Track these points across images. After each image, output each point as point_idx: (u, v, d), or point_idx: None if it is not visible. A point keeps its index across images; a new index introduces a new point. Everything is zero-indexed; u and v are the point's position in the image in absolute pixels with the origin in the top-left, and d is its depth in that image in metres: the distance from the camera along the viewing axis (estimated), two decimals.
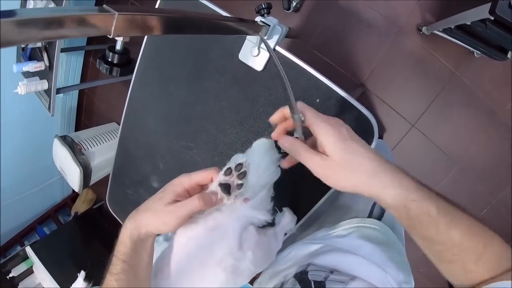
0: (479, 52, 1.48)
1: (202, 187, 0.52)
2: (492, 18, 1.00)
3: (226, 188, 0.49)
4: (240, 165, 0.49)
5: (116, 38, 0.36)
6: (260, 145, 0.59)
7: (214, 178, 0.51)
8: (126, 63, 0.39)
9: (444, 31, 1.43)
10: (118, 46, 0.38)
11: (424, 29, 1.55)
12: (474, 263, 0.41)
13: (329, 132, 0.44)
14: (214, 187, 0.50)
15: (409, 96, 1.72)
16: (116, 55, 0.38)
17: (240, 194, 0.50)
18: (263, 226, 0.61)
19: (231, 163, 0.49)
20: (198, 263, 0.52)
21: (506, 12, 0.97)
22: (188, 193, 0.51)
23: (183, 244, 0.53)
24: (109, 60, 0.38)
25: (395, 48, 1.66)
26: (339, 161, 0.43)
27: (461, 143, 1.69)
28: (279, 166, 0.58)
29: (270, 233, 0.59)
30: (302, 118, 0.47)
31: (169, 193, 0.50)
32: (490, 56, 1.38)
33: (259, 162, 0.55)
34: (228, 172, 0.49)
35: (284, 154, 0.59)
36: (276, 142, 0.59)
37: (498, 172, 1.67)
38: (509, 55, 1.31)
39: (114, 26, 0.33)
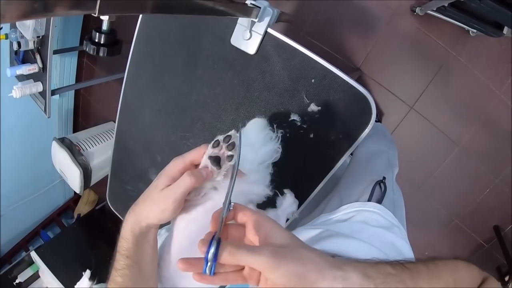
0: (474, 31, 1.46)
1: (197, 167, 0.51)
2: None
3: (216, 160, 0.48)
4: (228, 137, 0.49)
5: (102, 17, 0.35)
6: (254, 123, 0.58)
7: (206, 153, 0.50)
8: (113, 43, 0.38)
9: (438, 10, 1.41)
10: (104, 26, 0.36)
11: (418, 9, 1.53)
12: None
13: (269, 220, 0.40)
14: (204, 161, 0.49)
15: (406, 78, 1.71)
16: (103, 35, 0.37)
17: (231, 167, 0.49)
18: (265, 209, 0.60)
19: (219, 136, 0.49)
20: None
21: None
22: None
23: (182, 229, 0.52)
24: (96, 40, 0.37)
25: (389, 30, 1.64)
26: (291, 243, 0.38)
27: (461, 123, 1.68)
28: (279, 146, 0.57)
29: (272, 215, 0.58)
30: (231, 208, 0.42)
31: (163, 179, 0.49)
32: (486, 33, 1.36)
33: (255, 138, 0.54)
34: (216, 144, 0.48)
35: (282, 133, 0.58)
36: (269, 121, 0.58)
37: (499, 151, 1.66)
38: (504, 31, 1.29)
39: (99, 4, 0.32)
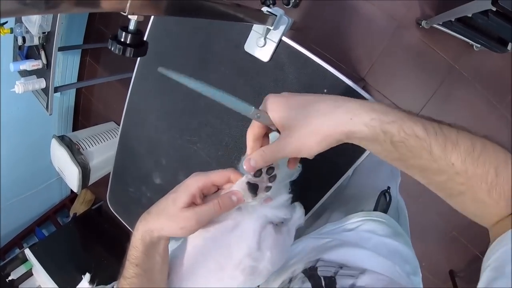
0: (479, 45, 1.48)
1: (218, 188, 0.50)
2: (495, 9, 1.00)
3: (254, 188, 0.47)
4: (271, 169, 0.47)
5: (130, 16, 0.35)
6: (272, 137, 0.57)
7: (232, 178, 0.49)
8: (139, 44, 0.38)
9: (444, 24, 1.43)
10: (132, 26, 0.36)
11: (423, 23, 1.55)
12: (487, 193, 0.33)
13: (269, 107, 0.43)
14: (239, 186, 0.48)
15: (410, 90, 1.72)
16: (130, 35, 0.36)
17: (265, 196, 0.48)
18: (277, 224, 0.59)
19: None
20: (216, 264, 0.50)
21: (508, 2, 0.97)
22: (202, 193, 0.49)
23: (198, 245, 0.51)
24: (122, 40, 0.37)
25: (394, 42, 1.66)
26: (290, 124, 0.40)
27: None
28: (300, 165, 0.56)
29: (284, 230, 0.58)
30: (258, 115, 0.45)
31: (183, 195, 0.47)
32: (490, 49, 1.38)
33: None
34: (258, 174, 0.47)
35: None
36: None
37: None
38: (509, 47, 1.31)
39: (130, 3, 0.32)
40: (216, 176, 0.49)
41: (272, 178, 0.48)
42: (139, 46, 0.37)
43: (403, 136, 0.34)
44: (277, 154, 0.43)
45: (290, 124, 0.41)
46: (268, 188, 0.48)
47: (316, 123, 0.39)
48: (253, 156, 0.44)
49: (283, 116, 0.42)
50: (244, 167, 0.45)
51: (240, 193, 0.48)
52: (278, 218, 0.51)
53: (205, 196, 0.50)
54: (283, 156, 0.43)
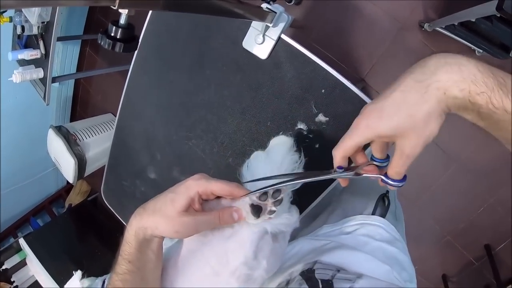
0: (480, 50, 1.47)
1: (218, 196, 0.50)
2: (499, 15, 0.99)
3: (258, 210, 0.46)
4: (278, 192, 0.46)
5: (121, 10, 0.34)
6: (282, 143, 0.55)
7: (235, 194, 0.48)
8: (130, 39, 0.37)
9: (447, 28, 1.42)
10: (122, 20, 0.35)
11: (426, 25, 1.54)
12: None
13: (369, 124, 0.42)
14: (241, 205, 0.47)
15: None
16: (120, 30, 0.35)
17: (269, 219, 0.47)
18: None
19: (269, 188, 0.46)
20: (211, 270, 0.49)
21: None
22: (201, 197, 0.48)
23: (193, 250, 0.50)
24: (112, 35, 0.36)
25: (396, 44, 1.64)
26: (401, 129, 0.39)
27: (460, 141, 1.69)
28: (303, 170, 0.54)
29: (280, 237, 0.57)
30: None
31: (182, 198, 0.46)
32: (492, 54, 1.37)
33: (280, 162, 0.52)
34: (264, 198, 0.46)
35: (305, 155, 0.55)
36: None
37: (496, 171, 1.67)
38: (511, 54, 1.30)
39: None
40: (218, 187, 0.47)
41: (278, 202, 0.46)
42: (129, 41, 0.36)
43: (491, 109, 0.33)
44: (410, 161, 0.42)
45: (401, 129, 0.39)
46: (271, 212, 0.47)
47: (421, 114, 0.38)
48: (396, 172, 0.43)
49: (389, 126, 0.40)
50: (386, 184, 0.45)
51: (242, 211, 0.47)
52: (278, 230, 0.50)
53: (204, 200, 0.49)
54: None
